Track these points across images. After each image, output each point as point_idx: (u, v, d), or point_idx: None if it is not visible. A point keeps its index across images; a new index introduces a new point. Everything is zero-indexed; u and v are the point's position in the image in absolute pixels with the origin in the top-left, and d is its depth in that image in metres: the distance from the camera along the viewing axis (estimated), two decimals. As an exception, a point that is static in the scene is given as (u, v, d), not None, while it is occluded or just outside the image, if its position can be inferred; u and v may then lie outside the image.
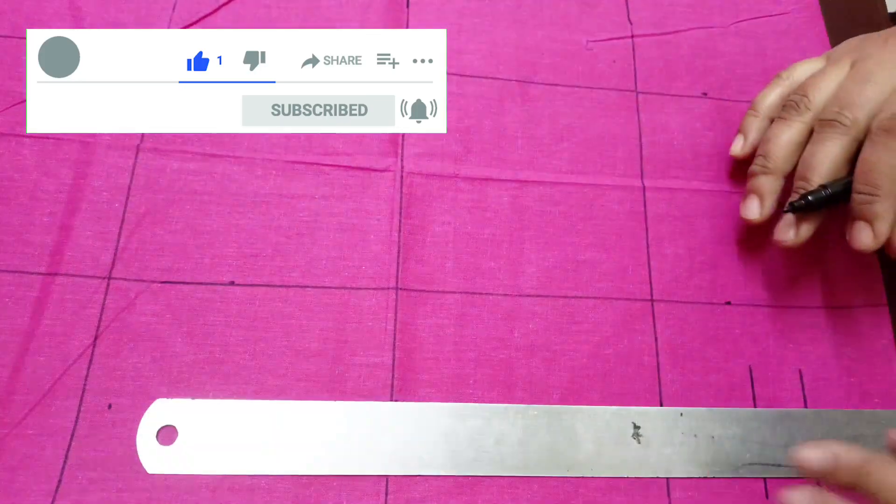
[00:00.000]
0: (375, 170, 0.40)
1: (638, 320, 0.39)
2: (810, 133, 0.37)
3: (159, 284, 0.37)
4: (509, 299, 0.38)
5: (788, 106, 0.38)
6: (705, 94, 0.45)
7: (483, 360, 0.37)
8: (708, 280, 0.40)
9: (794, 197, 0.37)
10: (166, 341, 0.36)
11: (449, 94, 0.43)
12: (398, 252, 0.39)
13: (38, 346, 0.35)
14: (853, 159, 0.36)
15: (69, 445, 0.33)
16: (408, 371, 0.36)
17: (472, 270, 0.39)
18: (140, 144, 0.40)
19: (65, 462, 0.33)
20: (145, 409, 0.34)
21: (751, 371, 0.38)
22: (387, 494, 0.34)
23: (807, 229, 0.37)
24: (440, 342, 0.37)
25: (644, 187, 0.42)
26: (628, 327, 0.38)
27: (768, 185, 0.38)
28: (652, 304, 0.39)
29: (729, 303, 0.39)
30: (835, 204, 0.36)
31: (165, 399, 0.34)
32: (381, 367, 0.36)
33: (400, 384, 0.36)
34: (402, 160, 0.41)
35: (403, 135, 0.42)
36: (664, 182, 0.42)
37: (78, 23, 0.42)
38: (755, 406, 0.37)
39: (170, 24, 0.43)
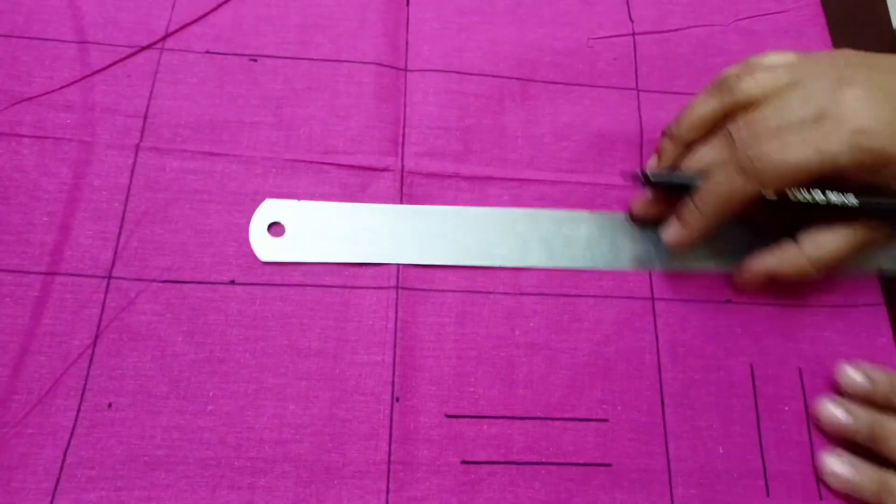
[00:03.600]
0: (375, 169, 0.40)
1: (638, 318, 0.39)
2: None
3: (159, 284, 0.37)
4: (510, 297, 0.38)
5: (722, 85, 0.37)
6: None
7: (484, 359, 0.37)
8: (708, 278, 0.40)
9: (651, 162, 0.40)
10: (166, 340, 0.36)
11: (449, 92, 0.43)
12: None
13: (38, 346, 0.35)
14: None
15: (68, 444, 0.33)
16: (409, 369, 0.36)
17: (473, 270, 0.39)
18: (139, 144, 0.40)
19: (64, 461, 0.33)
20: (145, 409, 0.34)
21: (751, 369, 0.38)
22: (388, 493, 0.34)
23: (655, 206, 0.39)
24: (441, 341, 0.37)
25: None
26: (629, 325, 0.38)
27: (669, 149, 0.39)
28: (652, 303, 0.39)
29: (729, 301, 0.39)
30: (678, 192, 0.37)
31: (273, 199, 0.39)
32: (381, 366, 0.36)
33: (401, 382, 0.36)
34: (402, 159, 0.41)
35: (403, 134, 0.42)
36: (664, 180, 0.42)
37: (78, 22, 0.42)
38: (755, 405, 0.37)
39: (169, 24, 0.43)
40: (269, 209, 0.39)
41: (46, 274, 0.36)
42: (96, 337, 0.35)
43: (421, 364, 0.37)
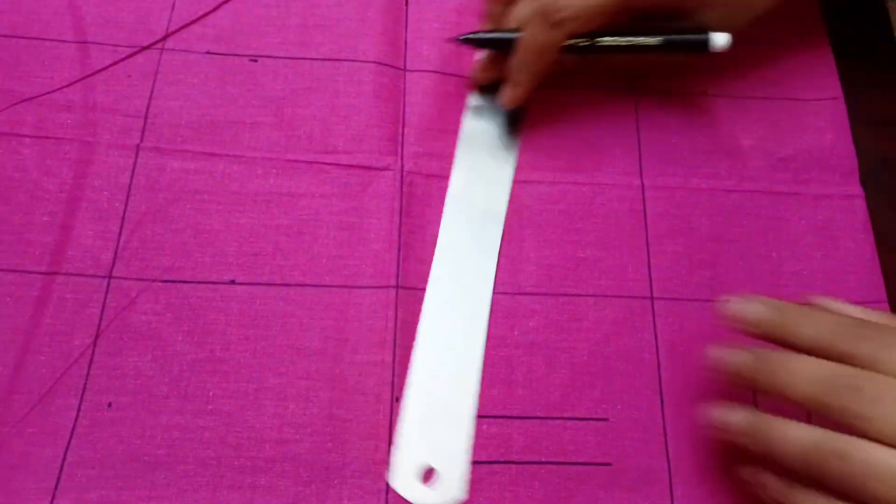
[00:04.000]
0: (375, 168, 0.40)
1: (638, 318, 0.39)
2: None
3: (160, 283, 0.37)
4: (509, 297, 0.38)
5: None
6: (704, 90, 0.45)
7: (483, 358, 0.37)
8: (708, 278, 0.40)
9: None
10: (167, 340, 0.36)
11: (448, 92, 0.43)
12: (398, 250, 0.39)
13: (38, 345, 0.35)
14: None
15: (69, 444, 0.33)
16: (408, 369, 0.36)
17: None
18: (140, 144, 0.40)
19: (64, 460, 0.33)
20: (146, 409, 0.34)
21: (751, 369, 0.38)
22: (387, 493, 0.34)
23: (491, 69, 0.41)
24: (440, 340, 0.37)
25: (643, 185, 0.42)
26: (628, 325, 0.38)
27: (493, 9, 0.41)
28: (652, 302, 0.39)
29: (729, 301, 0.39)
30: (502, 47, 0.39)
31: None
32: (381, 366, 0.36)
33: (401, 382, 0.36)
34: (402, 159, 0.41)
35: (403, 134, 0.42)
36: (663, 180, 0.42)
37: (78, 22, 0.42)
38: (755, 404, 0.37)
39: (169, 24, 0.43)
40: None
41: (47, 274, 0.36)
42: (97, 336, 0.35)
43: (421, 363, 0.37)
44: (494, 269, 0.39)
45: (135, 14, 0.43)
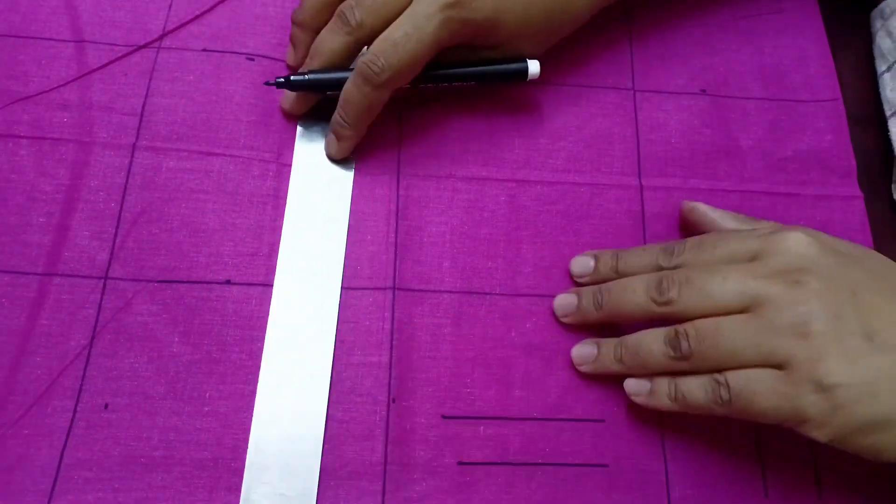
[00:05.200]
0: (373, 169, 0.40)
1: (636, 319, 0.38)
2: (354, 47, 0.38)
3: (156, 284, 0.37)
4: (506, 299, 0.38)
5: (338, 16, 0.38)
6: (704, 91, 0.45)
7: (480, 360, 0.37)
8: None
9: (289, 51, 0.42)
10: (163, 341, 0.36)
11: (445, 92, 0.43)
12: (395, 252, 0.39)
13: (34, 347, 0.35)
14: (353, 56, 0.39)
15: (65, 445, 0.33)
16: (405, 370, 0.36)
17: (469, 270, 0.39)
18: (136, 143, 0.40)
19: (60, 462, 0.33)
20: (142, 410, 0.34)
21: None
22: (384, 494, 0.34)
23: (301, 103, 0.40)
24: (437, 342, 0.37)
25: (641, 186, 0.42)
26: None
27: (300, 38, 0.41)
28: (650, 303, 0.39)
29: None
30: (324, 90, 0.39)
31: None
32: (378, 367, 0.36)
33: (397, 383, 0.36)
34: (399, 161, 0.41)
35: (402, 134, 0.42)
36: (662, 181, 0.42)
37: (75, 21, 0.42)
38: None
39: (166, 23, 0.43)
40: None
41: (43, 275, 0.36)
42: (93, 338, 0.35)
43: (417, 365, 0.37)
44: (342, 266, 0.38)
45: (132, 13, 0.43)
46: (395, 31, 0.36)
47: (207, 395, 0.35)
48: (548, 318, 0.38)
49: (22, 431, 0.33)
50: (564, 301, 0.38)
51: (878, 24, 0.45)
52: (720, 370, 0.31)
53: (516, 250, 0.39)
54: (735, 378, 0.31)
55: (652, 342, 0.33)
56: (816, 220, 0.41)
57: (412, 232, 0.39)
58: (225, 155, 0.40)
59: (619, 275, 0.36)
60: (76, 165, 0.39)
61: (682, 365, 0.32)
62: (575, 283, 0.39)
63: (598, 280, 0.37)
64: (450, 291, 0.38)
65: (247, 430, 0.34)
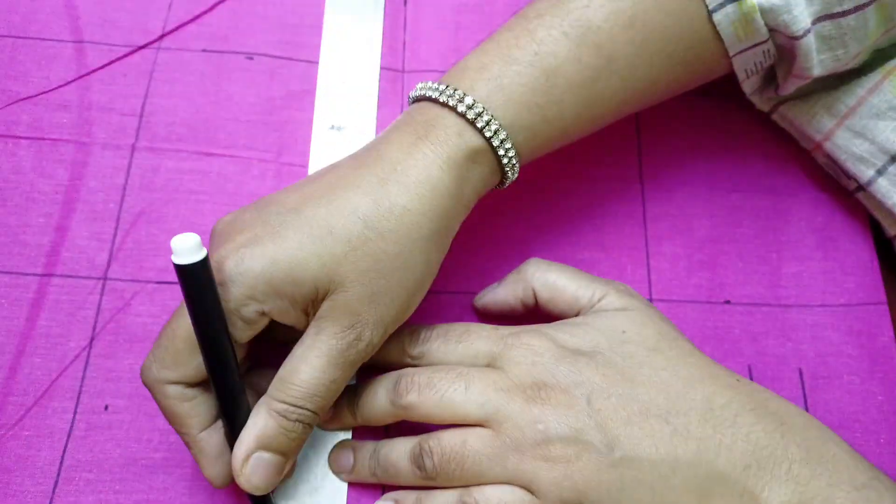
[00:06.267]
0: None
1: (636, 320, 0.38)
2: None
3: (155, 285, 0.37)
4: (507, 299, 0.38)
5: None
6: (705, 92, 0.44)
7: None
8: (707, 279, 0.40)
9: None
10: (163, 342, 0.36)
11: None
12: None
13: (34, 348, 0.35)
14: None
15: (65, 447, 0.33)
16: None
17: (469, 270, 0.39)
18: (135, 144, 0.39)
19: (61, 463, 0.33)
20: (142, 411, 0.34)
21: (750, 370, 0.38)
22: (384, 491, 0.34)
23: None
24: (438, 342, 0.37)
25: (642, 186, 0.42)
26: (627, 327, 0.38)
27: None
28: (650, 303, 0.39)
29: (728, 302, 0.39)
30: None
31: None
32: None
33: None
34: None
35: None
36: (662, 181, 0.42)
37: (74, 22, 0.42)
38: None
39: (165, 23, 0.43)
40: None
41: (42, 276, 0.36)
42: (92, 339, 0.35)
43: (418, 366, 0.36)
44: None
45: (131, 13, 0.43)
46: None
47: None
48: (550, 318, 0.38)
49: (22, 433, 0.33)
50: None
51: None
52: (469, 486, 0.30)
53: (516, 250, 0.39)
54: (484, 498, 0.29)
55: (398, 459, 0.31)
56: (817, 220, 0.41)
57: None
58: (224, 155, 0.40)
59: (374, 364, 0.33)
60: (75, 166, 0.39)
61: (431, 482, 0.30)
62: None
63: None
64: (452, 292, 0.38)
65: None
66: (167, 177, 0.39)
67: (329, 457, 0.34)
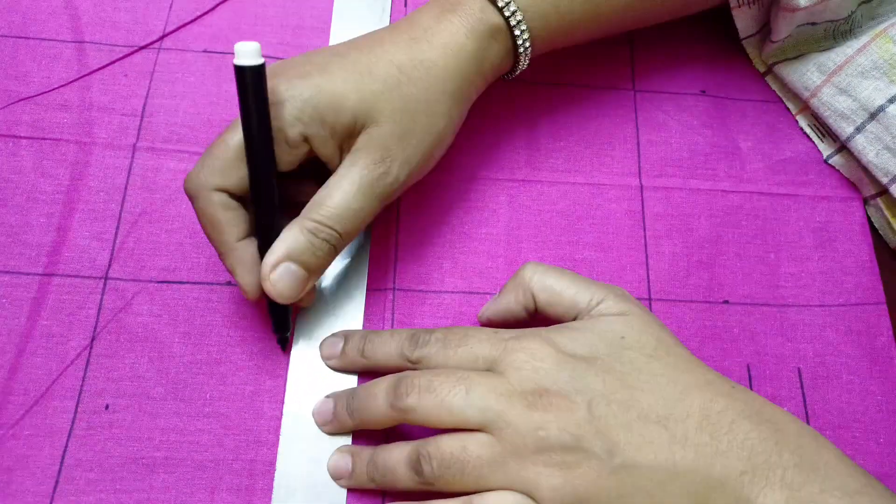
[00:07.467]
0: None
1: (636, 319, 0.38)
2: None
3: (156, 284, 0.37)
4: (507, 299, 0.38)
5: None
6: (704, 91, 0.45)
7: None
8: (705, 279, 0.40)
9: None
10: (163, 342, 0.36)
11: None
12: (395, 252, 0.39)
13: (35, 347, 0.35)
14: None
15: (66, 446, 0.33)
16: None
17: (470, 270, 0.39)
18: (136, 144, 0.40)
19: (62, 463, 0.33)
20: (143, 411, 0.34)
21: (749, 370, 0.38)
22: (384, 494, 0.34)
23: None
24: (438, 342, 0.37)
25: (642, 186, 0.42)
26: (626, 326, 0.38)
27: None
28: (650, 303, 0.39)
29: (727, 301, 0.39)
30: None
31: None
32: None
33: (397, 384, 0.36)
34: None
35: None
36: (662, 181, 0.42)
37: (75, 22, 0.42)
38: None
39: (166, 24, 0.43)
40: None
41: (44, 275, 0.36)
42: (93, 338, 0.35)
43: (418, 365, 0.36)
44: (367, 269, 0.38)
45: (132, 14, 0.43)
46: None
47: (208, 395, 0.35)
48: (546, 321, 0.38)
49: (23, 432, 0.33)
50: (323, 408, 0.35)
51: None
52: (469, 492, 0.30)
53: (517, 250, 0.39)
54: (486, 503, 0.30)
55: (397, 464, 0.31)
56: (816, 220, 0.42)
57: (412, 231, 0.39)
58: (225, 155, 0.40)
59: (365, 358, 0.34)
60: (76, 166, 0.39)
61: (430, 488, 0.30)
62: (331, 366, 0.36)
63: (346, 363, 0.35)
64: (450, 292, 0.38)
65: (248, 431, 0.34)
66: (168, 177, 0.39)
67: (328, 463, 0.34)
